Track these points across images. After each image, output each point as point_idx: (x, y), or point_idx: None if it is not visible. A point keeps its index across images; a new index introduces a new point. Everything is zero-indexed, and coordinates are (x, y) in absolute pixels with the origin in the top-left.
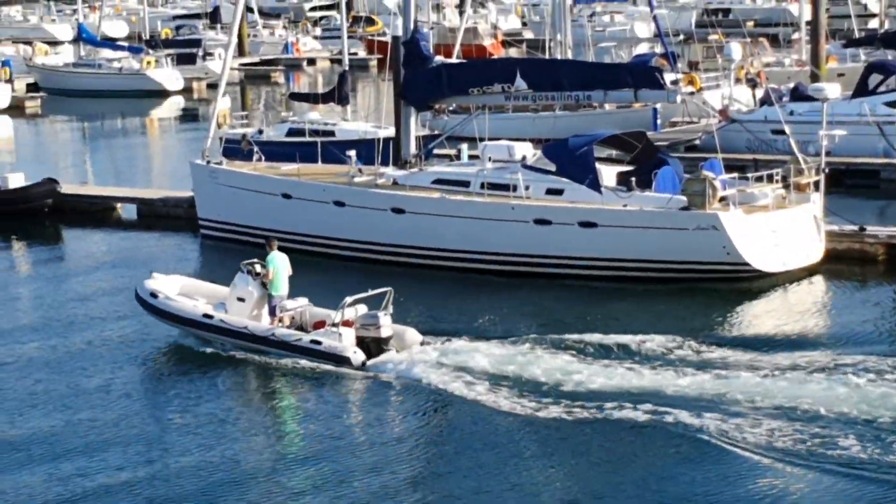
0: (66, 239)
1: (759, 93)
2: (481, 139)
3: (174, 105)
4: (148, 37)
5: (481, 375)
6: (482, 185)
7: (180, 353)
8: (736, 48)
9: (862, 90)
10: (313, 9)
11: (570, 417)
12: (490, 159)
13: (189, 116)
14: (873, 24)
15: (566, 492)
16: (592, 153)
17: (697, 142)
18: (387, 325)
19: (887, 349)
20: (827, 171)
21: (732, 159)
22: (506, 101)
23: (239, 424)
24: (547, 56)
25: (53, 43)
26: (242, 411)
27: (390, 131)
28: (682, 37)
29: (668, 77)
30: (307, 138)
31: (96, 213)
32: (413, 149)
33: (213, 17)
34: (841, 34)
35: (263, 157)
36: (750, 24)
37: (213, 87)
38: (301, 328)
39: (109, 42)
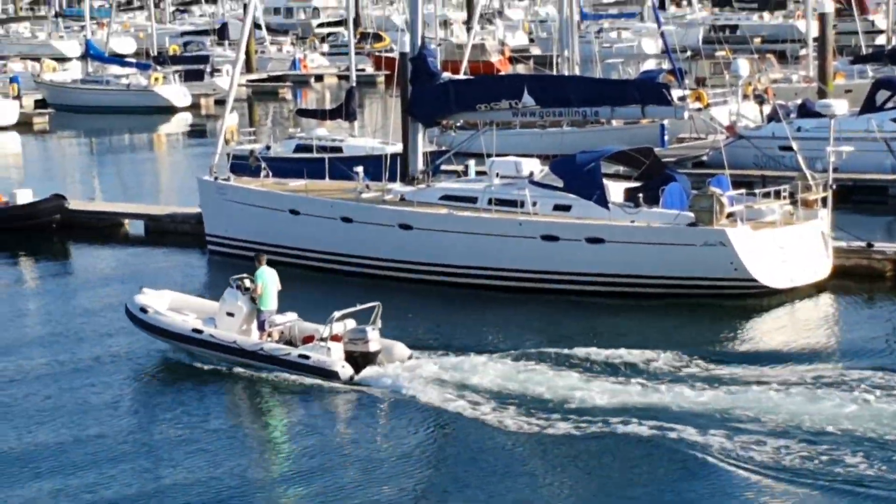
0: (73, 255)
1: (767, 109)
2: (489, 155)
3: (182, 121)
4: (156, 53)
5: (476, 391)
6: (490, 201)
7: (170, 367)
8: (743, 64)
9: (869, 106)
10: (321, 25)
11: (566, 433)
12: (497, 175)
13: (197, 132)
14: (881, 40)
15: None
16: (600, 169)
17: (705, 158)
18: (375, 340)
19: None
20: (834, 187)
21: (740, 175)
22: (513, 117)
23: (227, 439)
24: (554, 72)
25: (61, 59)
26: (231, 426)
27: (398, 147)
28: (689, 53)
29: (676, 93)
30: (315, 154)
31: (104, 228)
32: (420, 165)
33: (221, 33)
34: (848, 50)
35: (271, 173)
36: (757, 40)
37: (220, 103)
38: (290, 343)
39: (117, 58)
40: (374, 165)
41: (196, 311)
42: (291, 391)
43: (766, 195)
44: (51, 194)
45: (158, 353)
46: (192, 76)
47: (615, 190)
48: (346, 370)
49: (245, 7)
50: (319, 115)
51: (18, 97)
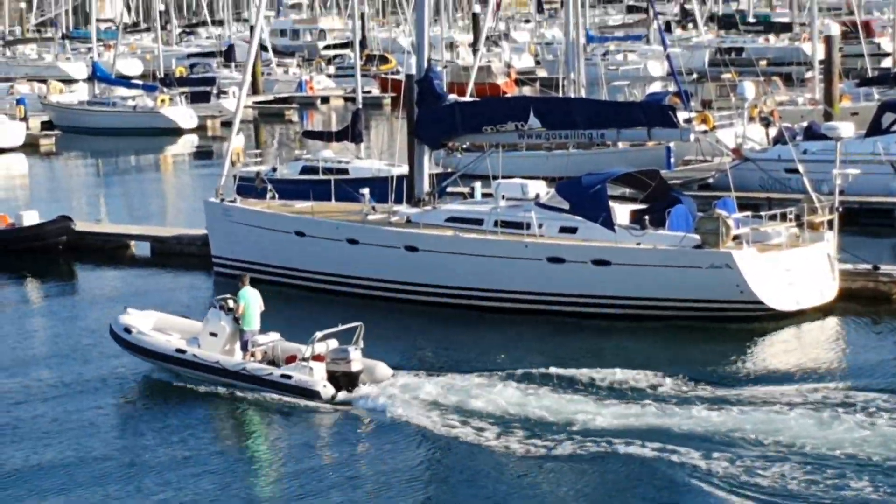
0: (79, 276)
1: (773, 131)
2: (495, 177)
3: (188, 143)
4: (162, 75)
5: (474, 413)
6: (495, 223)
7: (153, 387)
8: (749, 87)
9: (875, 129)
10: (327, 47)
11: (568, 454)
12: (503, 197)
13: (203, 154)
14: (887, 63)
15: None
16: (606, 191)
17: (711, 180)
18: (357, 360)
19: None
20: (841, 209)
21: (746, 198)
22: (519, 139)
23: (210, 460)
24: (560, 94)
25: (68, 81)
26: (214, 446)
27: (404, 169)
28: (695, 75)
29: (682, 115)
30: (321, 176)
31: (110, 250)
32: (426, 187)
33: (228, 55)
34: (854, 73)
35: (277, 195)
36: (763, 62)
37: (227, 125)
38: (273, 363)
39: (124, 80)
40: (380, 187)
41: (181, 331)
42: (274, 411)
43: (773, 218)
44: (57, 216)
45: (143, 373)
46: (198, 98)
47: (621, 212)
48: (327, 390)
49: (251, 29)
50: (325, 136)
51: (25, 119)
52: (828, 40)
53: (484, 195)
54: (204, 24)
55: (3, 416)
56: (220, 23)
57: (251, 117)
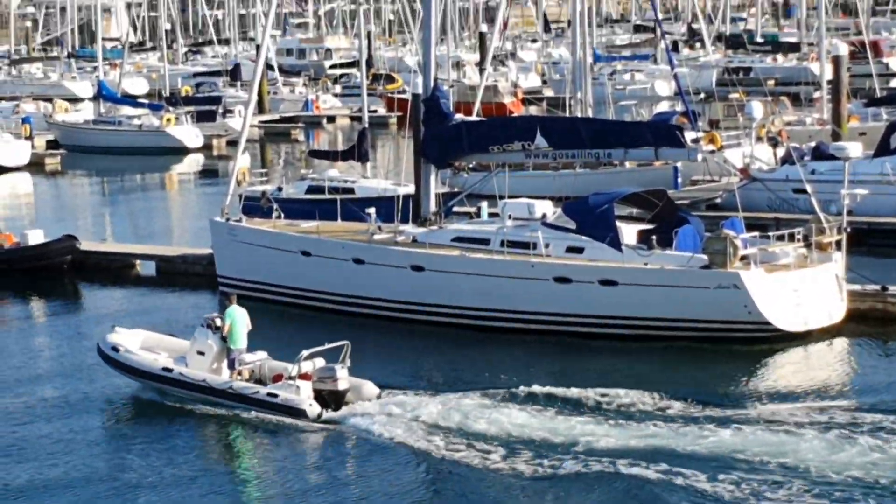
0: (84, 295)
1: (781, 151)
2: (501, 197)
3: (194, 162)
4: (168, 94)
5: (474, 435)
6: (502, 243)
7: (140, 406)
8: (757, 107)
9: (884, 149)
10: (333, 66)
11: (571, 474)
12: (510, 217)
13: (208, 173)
14: (895, 83)
15: None
16: (613, 211)
17: (718, 200)
18: (343, 378)
19: None
20: (849, 230)
21: (754, 218)
22: (526, 158)
23: (195, 478)
24: (567, 114)
25: (74, 100)
26: (200, 465)
27: (410, 189)
28: (702, 95)
29: (689, 135)
30: (327, 195)
31: (115, 269)
32: (433, 206)
33: (233, 74)
34: (862, 93)
35: (283, 215)
36: (771, 82)
37: (232, 144)
38: (260, 381)
39: (129, 99)
40: (387, 207)
41: (168, 349)
42: (261, 430)
43: (780, 238)
44: (62, 235)
45: (133, 391)
46: (204, 117)
47: (628, 232)
48: (313, 408)
49: (257, 48)
50: (331, 156)
51: (30, 138)
52: (836, 60)
53: (490, 215)
54: (210, 43)
55: None
56: (227, 42)
57: (257, 136)
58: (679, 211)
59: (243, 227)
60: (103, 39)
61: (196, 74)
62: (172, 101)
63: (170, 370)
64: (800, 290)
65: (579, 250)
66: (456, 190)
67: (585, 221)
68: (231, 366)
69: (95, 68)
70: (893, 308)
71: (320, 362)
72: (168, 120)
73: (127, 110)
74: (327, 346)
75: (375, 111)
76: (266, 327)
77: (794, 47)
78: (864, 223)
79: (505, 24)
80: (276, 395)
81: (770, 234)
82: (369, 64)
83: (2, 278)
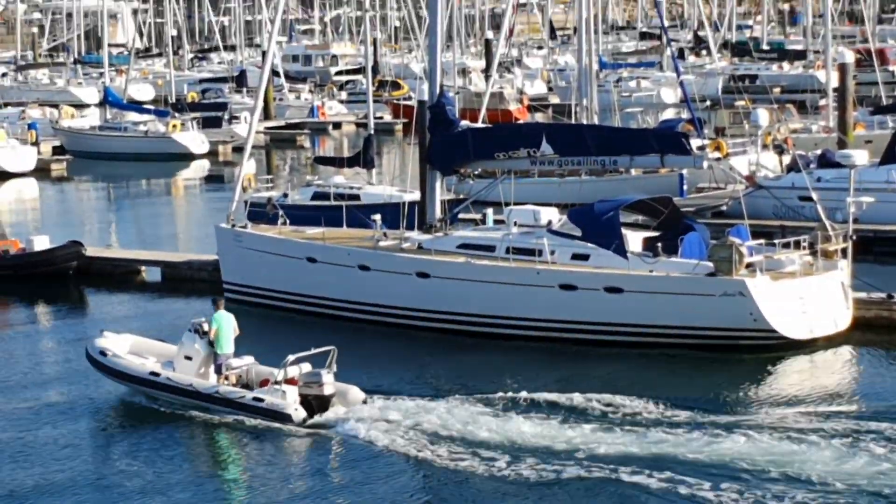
0: (90, 301)
1: (786, 159)
2: (507, 204)
3: (199, 168)
4: (174, 100)
5: (473, 441)
6: (507, 250)
7: (128, 410)
8: (763, 114)
9: (890, 157)
10: (339, 73)
11: (572, 481)
12: (515, 224)
13: (214, 179)
14: None
15: None
16: (618, 218)
17: (724, 208)
18: (329, 383)
19: None
20: (854, 238)
21: (759, 226)
22: (531, 165)
23: (181, 483)
24: (573, 121)
25: (80, 106)
26: (186, 470)
27: (415, 195)
28: (708, 102)
29: (695, 143)
30: (332, 202)
31: (121, 275)
32: (438, 213)
33: (240, 80)
34: (868, 101)
35: (288, 221)
36: (777, 90)
37: (238, 150)
38: (247, 386)
39: (136, 105)
40: (392, 213)
41: (157, 354)
42: (246, 434)
43: (786, 245)
44: (68, 241)
45: (123, 396)
46: (210, 123)
47: (634, 239)
48: (299, 413)
49: (263, 54)
50: (337, 162)
51: (36, 143)
52: (842, 68)
53: (496, 222)
54: (216, 49)
55: None
56: (233, 48)
57: (263, 143)
58: (684, 218)
59: (249, 233)
60: (109, 45)
61: (202, 81)
62: (178, 108)
63: (157, 375)
64: (805, 297)
65: (585, 257)
66: (461, 197)
67: (591, 228)
68: (218, 370)
69: (101, 74)
70: None
71: (307, 367)
72: (174, 126)
73: (133, 116)
74: (313, 350)
75: (381, 118)
76: (264, 332)
77: (800, 55)
78: (869, 231)
79: (511, 31)
80: (261, 400)
81: (776, 241)
82: (375, 70)
83: (7, 284)
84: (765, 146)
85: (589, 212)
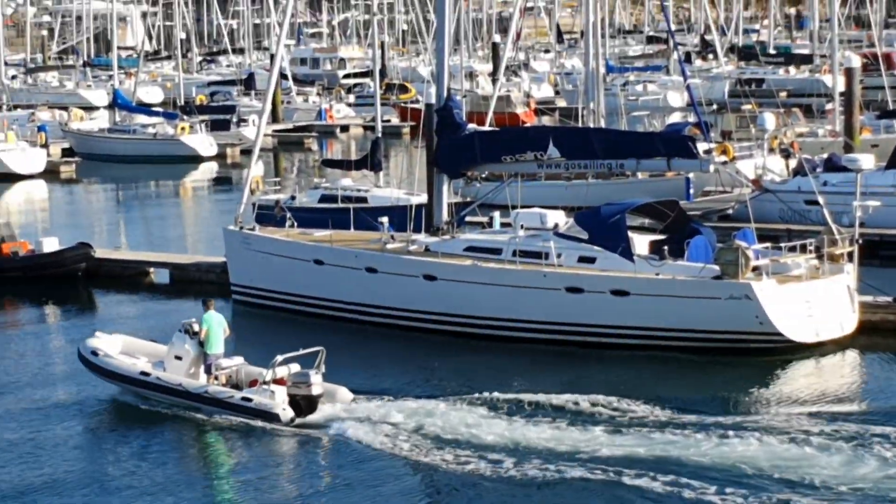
0: (98, 303)
1: (793, 163)
2: (513, 207)
3: (208, 171)
4: (183, 103)
5: (473, 442)
6: (514, 253)
7: (118, 410)
8: (769, 118)
9: None
10: (347, 76)
11: (575, 483)
12: (522, 227)
13: (222, 182)
14: None
15: None
16: (625, 221)
17: (730, 211)
18: (317, 384)
19: None
20: (861, 241)
21: (765, 229)
22: (538, 168)
23: (169, 481)
24: (580, 124)
25: (89, 108)
26: (175, 469)
27: (422, 198)
28: (715, 106)
29: (702, 146)
30: (340, 205)
31: (129, 277)
32: (445, 216)
33: (248, 83)
34: (875, 105)
35: (296, 224)
36: (783, 94)
37: (246, 152)
38: (237, 386)
39: (144, 108)
40: (399, 216)
41: (148, 354)
42: (235, 434)
43: (792, 249)
44: (77, 243)
45: (103, 394)
46: (218, 126)
47: (640, 242)
48: (286, 413)
49: (272, 58)
50: (345, 165)
51: (46, 146)
52: (848, 72)
53: (503, 225)
54: (224, 52)
55: None
56: (241, 51)
57: (271, 145)
58: (691, 222)
59: (257, 235)
60: (119, 48)
61: (210, 83)
62: (187, 110)
63: (147, 374)
64: (811, 301)
65: (591, 260)
66: (468, 199)
67: (597, 231)
68: (208, 370)
69: (111, 77)
70: None
71: (296, 368)
72: (182, 129)
73: (142, 119)
74: (302, 351)
75: (389, 121)
76: (266, 333)
77: (807, 59)
78: (875, 235)
79: (518, 35)
80: (250, 400)
81: (782, 245)
82: (383, 74)
83: (17, 285)
84: (771, 150)
85: (595, 215)
